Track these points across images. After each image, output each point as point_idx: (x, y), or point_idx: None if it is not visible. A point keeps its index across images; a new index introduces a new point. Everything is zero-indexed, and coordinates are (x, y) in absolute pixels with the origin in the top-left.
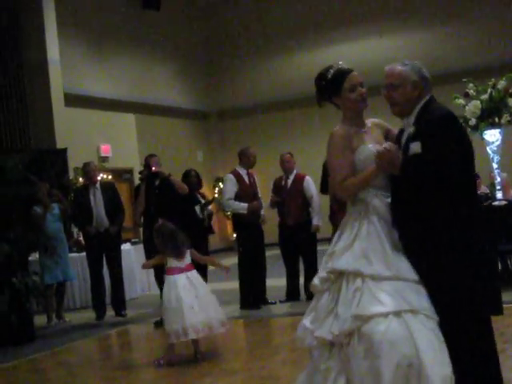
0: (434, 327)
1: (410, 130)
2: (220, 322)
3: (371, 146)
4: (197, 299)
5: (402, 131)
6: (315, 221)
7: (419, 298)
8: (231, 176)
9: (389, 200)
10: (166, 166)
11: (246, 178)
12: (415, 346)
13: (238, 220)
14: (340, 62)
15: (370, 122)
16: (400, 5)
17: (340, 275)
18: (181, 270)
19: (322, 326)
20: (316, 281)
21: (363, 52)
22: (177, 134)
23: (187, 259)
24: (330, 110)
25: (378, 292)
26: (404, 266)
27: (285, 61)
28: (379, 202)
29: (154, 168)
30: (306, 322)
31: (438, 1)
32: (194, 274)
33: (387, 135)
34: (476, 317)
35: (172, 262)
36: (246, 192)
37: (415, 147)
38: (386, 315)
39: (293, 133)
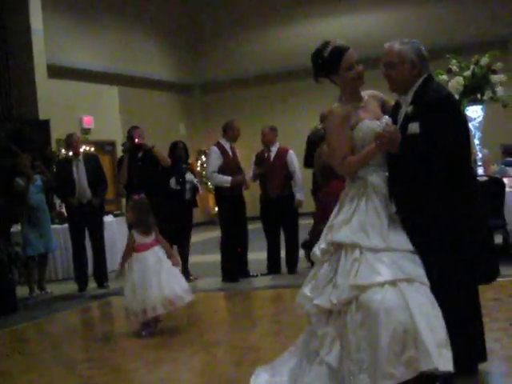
0: (429, 293)
1: (408, 109)
2: (184, 292)
3: (369, 122)
4: (162, 274)
5: (397, 104)
6: (298, 195)
7: (414, 266)
8: (215, 148)
9: (387, 175)
10: (148, 138)
11: (230, 152)
12: (410, 313)
13: (220, 193)
14: (337, 40)
15: (366, 94)
16: None
17: (339, 247)
18: (148, 246)
19: (321, 295)
20: (317, 251)
21: (351, 26)
22: (159, 107)
23: (152, 235)
24: (315, 84)
25: (375, 262)
26: (400, 239)
27: (270, 34)
28: (378, 178)
29: (137, 140)
30: (306, 290)
31: None
32: (159, 249)
33: (383, 107)
34: (468, 285)
35: (140, 238)
36: (230, 165)
37: (414, 127)
38: (382, 285)
39: (277, 107)
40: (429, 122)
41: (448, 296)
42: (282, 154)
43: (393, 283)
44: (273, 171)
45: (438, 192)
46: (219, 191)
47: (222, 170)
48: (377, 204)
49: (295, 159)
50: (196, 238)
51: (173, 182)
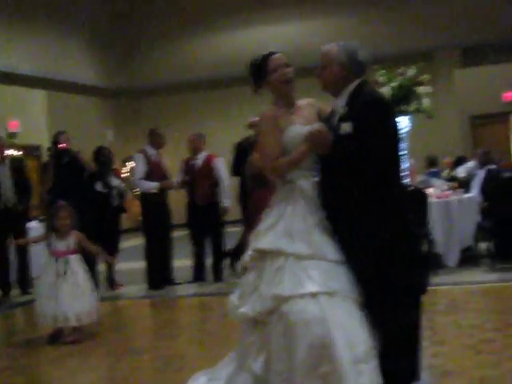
0: (351, 307)
1: (341, 110)
2: (88, 313)
3: (299, 126)
4: (73, 286)
5: (332, 111)
6: (225, 202)
7: (339, 278)
8: (141, 155)
9: (316, 180)
10: (75, 143)
11: (156, 158)
12: (328, 326)
13: (145, 199)
14: (270, 50)
15: (303, 101)
16: None
17: (264, 254)
18: (61, 254)
19: (246, 303)
20: (246, 258)
21: (288, 35)
22: (87, 112)
23: (71, 242)
24: (247, 93)
25: (299, 272)
26: (327, 246)
27: (200, 42)
28: (306, 182)
29: (62, 145)
30: (234, 297)
31: None
32: (76, 258)
33: (320, 115)
34: (401, 297)
35: (57, 243)
36: (156, 172)
37: (347, 127)
38: (302, 296)
39: (207, 114)
40: (360, 123)
41: (378, 309)
42: (210, 161)
43: (314, 295)
44: (200, 178)
45: (366, 198)
46: (144, 198)
47: (149, 177)
48: (304, 209)
49: (223, 166)
50: (124, 244)
51: (99, 185)
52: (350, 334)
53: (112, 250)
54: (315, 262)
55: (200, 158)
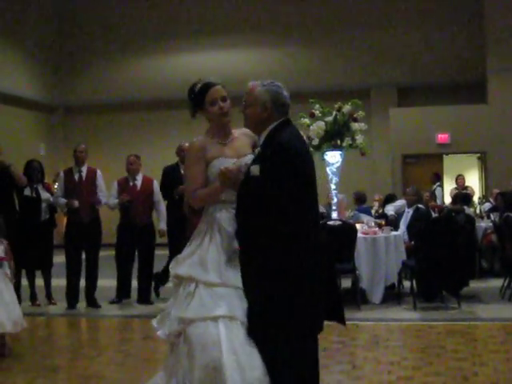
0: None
1: (256, 151)
2: (14, 322)
3: (224, 159)
4: None
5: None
6: (161, 225)
7: (241, 305)
8: (61, 173)
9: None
10: (6, 156)
11: (76, 176)
12: (221, 350)
13: (68, 218)
14: (211, 77)
15: (239, 131)
16: (264, 20)
17: (181, 280)
18: None
19: (162, 326)
20: (170, 284)
21: (226, 62)
22: (20, 125)
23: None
24: (182, 116)
25: (206, 297)
26: (236, 275)
27: (140, 63)
28: (225, 214)
29: None
30: (155, 321)
31: (292, 23)
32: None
33: (255, 144)
34: (293, 334)
35: None
36: (74, 189)
37: (254, 169)
38: (204, 319)
39: (141, 136)
40: (265, 166)
41: (271, 342)
42: (148, 183)
43: (215, 319)
44: (139, 200)
45: (261, 236)
46: (68, 216)
47: (70, 194)
48: (219, 240)
49: (159, 190)
50: (59, 259)
51: (27, 190)
52: (244, 358)
53: (45, 263)
54: (223, 290)
55: (138, 180)
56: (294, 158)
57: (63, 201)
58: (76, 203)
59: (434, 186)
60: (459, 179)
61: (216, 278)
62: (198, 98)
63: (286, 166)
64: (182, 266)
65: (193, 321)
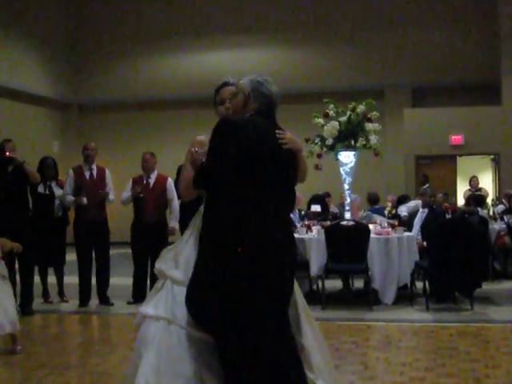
0: (185, 338)
1: None
2: (10, 322)
3: None
4: None
5: None
6: (172, 223)
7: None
8: (70, 171)
9: None
10: (20, 153)
11: (87, 174)
12: (147, 349)
13: (76, 215)
14: (229, 77)
15: None
16: (278, 19)
17: (159, 274)
18: None
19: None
20: None
21: (243, 60)
22: (34, 122)
23: None
24: (197, 115)
25: (167, 295)
26: None
27: (156, 62)
28: None
29: (8, 153)
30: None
31: (307, 22)
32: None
33: None
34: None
35: None
36: (85, 187)
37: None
38: (151, 317)
39: (155, 134)
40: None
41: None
42: (162, 181)
43: (157, 319)
44: (152, 197)
45: (206, 220)
46: (76, 214)
47: (79, 192)
48: (196, 238)
49: (174, 188)
50: (72, 256)
51: (40, 187)
52: (175, 364)
53: (58, 264)
54: (182, 289)
55: (152, 178)
56: (235, 130)
57: (71, 198)
58: (84, 200)
59: (424, 187)
60: (473, 181)
61: (181, 276)
62: (214, 96)
63: (220, 145)
64: (161, 260)
65: (145, 316)
